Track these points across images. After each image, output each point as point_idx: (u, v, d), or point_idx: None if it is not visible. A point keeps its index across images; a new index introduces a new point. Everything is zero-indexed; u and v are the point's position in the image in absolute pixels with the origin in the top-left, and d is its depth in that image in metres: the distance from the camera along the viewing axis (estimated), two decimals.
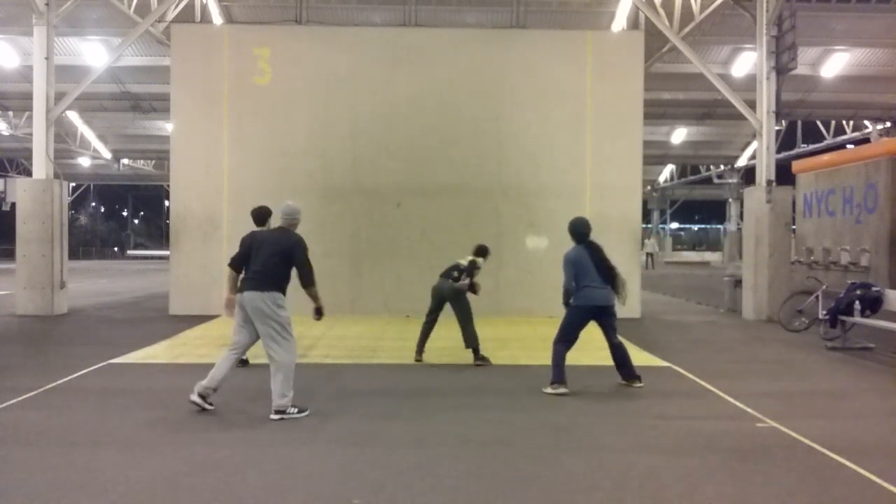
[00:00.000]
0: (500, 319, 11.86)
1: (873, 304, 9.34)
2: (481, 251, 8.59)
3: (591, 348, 9.62)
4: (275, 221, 7.28)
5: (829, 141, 27.31)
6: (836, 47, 18.73)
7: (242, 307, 5.90)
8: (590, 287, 6.79)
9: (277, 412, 5.76)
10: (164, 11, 13.78)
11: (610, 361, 8.70)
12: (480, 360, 8.22)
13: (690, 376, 7.65)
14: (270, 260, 5.90)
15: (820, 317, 10.01)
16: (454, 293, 8.26)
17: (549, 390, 6.81)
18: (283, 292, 5.96)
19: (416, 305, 10.86)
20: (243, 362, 7.84)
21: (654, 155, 30.72)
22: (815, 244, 18.68)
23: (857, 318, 9.31)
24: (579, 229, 7.02)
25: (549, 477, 4.49)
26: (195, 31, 13.95)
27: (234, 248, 6.30)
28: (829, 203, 18.45)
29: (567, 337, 6.95)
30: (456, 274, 8.28)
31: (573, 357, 8.94)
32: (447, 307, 8.38)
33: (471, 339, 8.24)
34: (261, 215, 7.25)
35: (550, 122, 13.20)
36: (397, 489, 4.26)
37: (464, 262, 8.41)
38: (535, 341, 10.04)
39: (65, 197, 12.99)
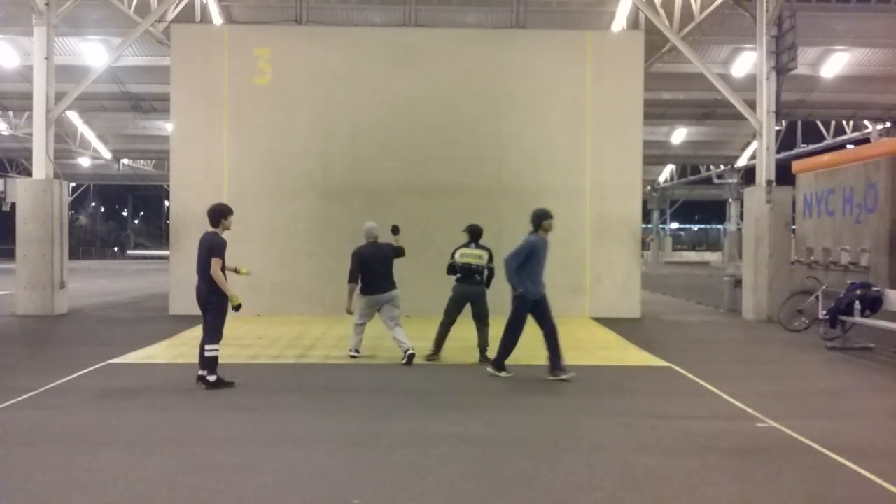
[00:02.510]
0: (500, 319, 11.80)
1: (873, 304, 9.35)
2: (478, 234, 8.39)
3: (592, 348, 9.65)
4: (235, 220, 7.28)
5: (829, 141, 27.29)
6: (836, 47, 18.74)
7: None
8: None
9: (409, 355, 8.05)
10: (164, 11, 13.79)
11: (609, 361, 8.77)
12: (486, 360, 8.23)
13: (690, 376, 7.65)
14: (385, 264, 8.16)
15: (820, 317, 10.01)
16: (483, 295, 8.30)
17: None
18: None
19: (417, 305, 10.88)
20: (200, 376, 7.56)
21: (654, 155, 30.70)
22: (815, 244, 18.66)
23: (857, 318, 9.31)
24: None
25: (549, 477, 4.49)
26: (195, 31, 13.95)
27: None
28: (829, 203, 18.43)
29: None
30: (479, 277, 8.26)
31: (573, 357, 8.97)
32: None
33: (486, 341, 8.36)
34: (213, 214, 7.14)
35: (550, 121, 13.19)
36: (397, 489, 4.26)
37: (480, 261, 8.21)
38: (534, 341, 10.02)
39: (65, 197, 12.99)
